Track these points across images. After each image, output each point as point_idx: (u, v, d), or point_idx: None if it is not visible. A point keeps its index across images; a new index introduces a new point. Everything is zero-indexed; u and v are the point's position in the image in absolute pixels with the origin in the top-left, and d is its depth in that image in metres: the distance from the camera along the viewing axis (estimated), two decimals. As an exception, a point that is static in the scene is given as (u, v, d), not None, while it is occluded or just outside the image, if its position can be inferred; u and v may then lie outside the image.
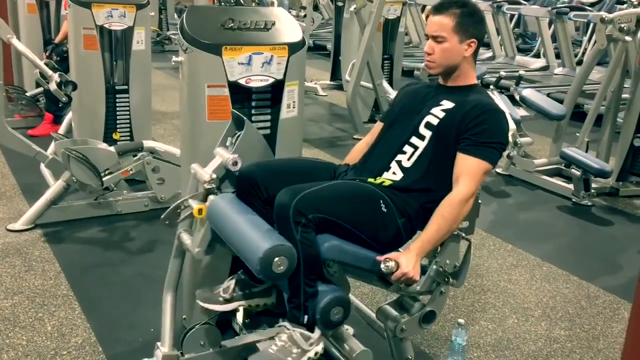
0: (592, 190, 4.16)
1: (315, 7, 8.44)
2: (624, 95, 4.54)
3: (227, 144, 2.13)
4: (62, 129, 4.37)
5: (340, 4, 7.17)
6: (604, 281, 3.14)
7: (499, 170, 4.78)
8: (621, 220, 4.01)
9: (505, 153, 4.54)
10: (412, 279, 1.86)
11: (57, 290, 2.78)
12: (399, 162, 2.02)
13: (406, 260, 1.84)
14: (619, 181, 4.38)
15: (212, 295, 2.04)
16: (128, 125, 4.03)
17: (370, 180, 2.02)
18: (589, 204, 4.16)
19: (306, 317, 1.84)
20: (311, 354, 1.84)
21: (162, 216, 2.09)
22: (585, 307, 2.89)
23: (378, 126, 2.24)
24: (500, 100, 4.54)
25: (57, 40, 5.24)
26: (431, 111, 2.03)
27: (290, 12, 2.51)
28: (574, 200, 4.21)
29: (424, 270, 1.98)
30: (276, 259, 1.73)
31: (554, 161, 4.66)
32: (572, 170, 4.18)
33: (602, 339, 2.64)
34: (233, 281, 2.06)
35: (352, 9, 5.64)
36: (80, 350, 2.37)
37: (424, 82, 2.29)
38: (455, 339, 2.19)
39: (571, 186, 4.25)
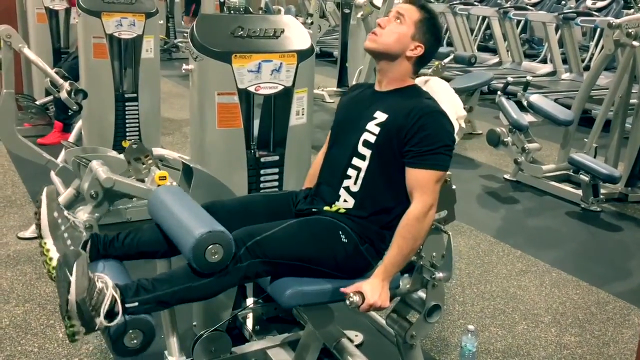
0: (601, 196, 4.16)
1: (322, 14, 8.48)
2: (632, 101, 4.52)
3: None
4: (72, 137, 4.39)
5: (347, 11, 7.20)
6: (613, 287, 3.13)
7: (507, 176, 4.78)
8: (630, 226, 3.99)
9: (513, 158, 4.58)
10: (381, 307, 1.79)
11: (68, 297, 2.80)
12: (346, 189, 1.95)
13: (371, 289, 1.76)
14: (628, 187, 4.37)
15: (57, 205, 1.88)
16: (137, 132, 4.05)
17: (326, 208, 1.96)
18: (598, 209, 4.15)
19: (136, 304, 1.65)
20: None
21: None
22: (595, 313, 2.88)
23: (329, 136, 2.16)
24: (508, 105, 4.54)
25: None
26: (367, 127, 1.93)
27: (297, 19, 2.52)
28: (582, 206, 4.20)
29: (411, 265, 1.93)
30: (210, 246, 1.63)
31: (562, 167, 4.65)
32: (581, 176, 4.17)
33: (613, 344, 2.63)
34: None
35: (358, 15, 5.67)
36: (91, 357, 2.38)
37: (363, 85, 2.17)
38: (465, 345, 2.19)
39: (580, 192, 4.25)
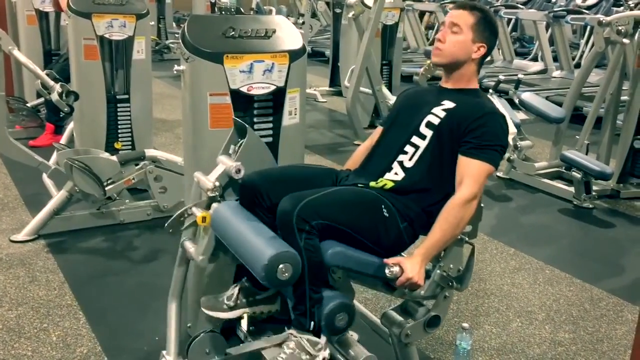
0: (593, 193, 4.17)
1: (314, 14, 8.48)
2: (623, 98, 4.55)
3: (230, 151, 2.13)
4: (63, 139, 4.38)
5: (338, 10, 7.21)
6: (606, 283, 3.14)
7: (499, 174, 4.79)
8: (622, 223, 4.01)
9: (505, 156, 4.58)
10: (417, 284, 1.87)
11: (61, 300, 2.79)
12: (400, 163, 2.03)
13: (411, 265, 1.84)
14: (620, 183, 4.39)
15: (217, 303, 2.04)
16: (129, 134, 4.04)
17: (372, 184, 2.02)
18: (590, 206, 4.17)
19: (312, 323, 1.85)
20: (319, 359, 1.84)
21: (166, 225, 2.09)
22: (589, 309, 2.90)
23: (378, 131, 2.25)
24: (500, 105, 4.55)
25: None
26: (432, 110, 2.04)
27: (288, 19, 2.52)
28: (575, 203, 4.22)
29: (427, 275, 1.98)
30: (281, 265, 1.73)
31: (555, 164, 4.67)
32: (573, 173, 4.18)
33: (607, 341, 2.64)
34: (237, 289, 2.06)
35: (350, 15, 5.66)
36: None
37: (424, 87, 2.31)
38: (459, 343, 2.19)
39: (572, 189, 4.26)
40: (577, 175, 4.14)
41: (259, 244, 1.82)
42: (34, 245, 3.31)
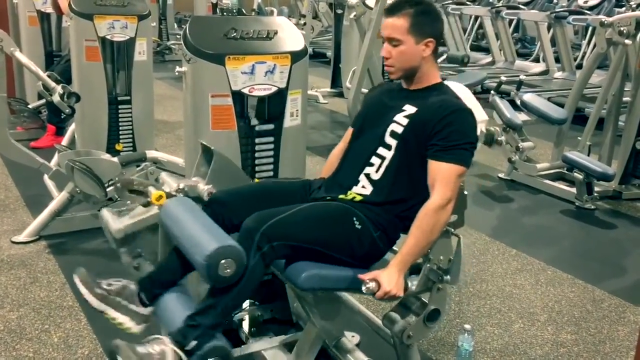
0: (595, 194, 4.17)
1: (315, 15, 8.47)
2: (624, 99, 4.54)
3: (199, 175, 2.12)
4: (65, 140, 4.38)
5: (339, 11, 7.21)
6: (609, 284, 3.14)
7: (501, 175, 4.78)
8: (624, 224, 4.00)
9: (508, 157, 4.58)
10: (395, 297, 1.82)
11: (62, 301, 2.79)
12: (367, 175, 1.98)
13: (387, 278, 1.79)
14: (622, 184, 4.38)
15: (93, 283, 1.95)
16: (131, 135, 4.04)
17: (342, 196, 1.98)
18: (592, 207, 4.16)
19: (194, 343, 1.73)
20: None
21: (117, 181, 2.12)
22: (591, 310, 2.89)
23: (349, 132, 2.19)
24: (502, 105, 4.55)
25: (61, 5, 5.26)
26: (395, 119, 1.97)
27: (289, 20, 2.52)
28: (577, 204, 4.21)
29: (417, 268, 1.95)
30: (223, 261, 1.66)
31: (556, 165, 4.66)
32: (575, 174, 4.18)
33: (609, 342, 2.64)
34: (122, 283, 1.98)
35: (351, 16, 5.66)
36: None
37: (390, 85, 2.19)
38: (461, 344, 2.19)
39: (574, 190, 4.26)
40: (579, 176, 4.13)
41: (204, 237, 1.74)
42: (35, 247, 3.31)
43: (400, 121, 1.96)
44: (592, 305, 2.93)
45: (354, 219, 1.90)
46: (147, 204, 2.11)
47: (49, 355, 2.40)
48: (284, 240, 1.79)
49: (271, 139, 2.39)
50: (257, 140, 2.40)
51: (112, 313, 1.90)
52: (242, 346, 2.29)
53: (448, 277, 1.92)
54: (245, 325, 2.43)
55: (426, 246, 1.86)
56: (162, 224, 1.96)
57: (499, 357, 2.51)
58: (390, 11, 1.97)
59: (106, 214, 2.25)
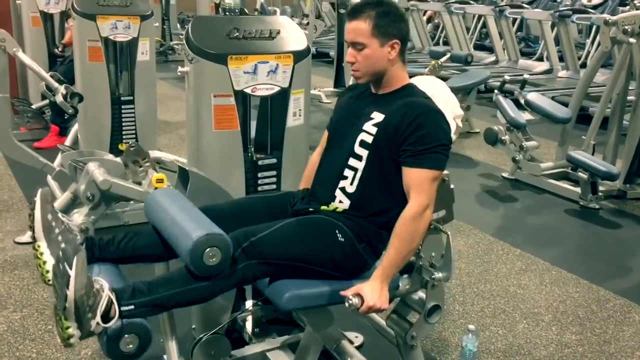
0: (600, 193, 4.15)
1: (318, 15, 8.47)
2: (629, 98, 4.52)
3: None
4: (68, 140, 4.38)
5: (342, 11, 7.20)
6: (613, 284, 3.12)
7: (505, 174, 4.77)
8: (629, 223, 3.99)
9: (512, 156, 4.57)
10: (380, 310, 1.78)
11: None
12: (342, 189, 1.93)
13: (370, 291, 1.75)
14: (627, 183, 4.37)
15: (51, 209, 1.87)
16: (134, 135, 4.04)
17: (324, 208, 1.95)
18: (597, 207, 4.15)
19: (131, 307, 1.63)
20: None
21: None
22: (596, 310, 2.88)
23: (325, 135, 2.14)
24: (506, 104, 4.53)
25: (64, 41, 5.28)
26: (363, 127, 1.91)
27: (292, 20, 2.52)
28: (581, 203, 4.19)
29: (411, 266, 1.93)
30: (208, 249, 1.61)
31: (561, 165, 4.65)
32: (579, 173, 4.17)
33: (614, 342, 2.62)
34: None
35: (354, 16, 5.64)
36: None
37: (360, 88, 2.09)
38: (465, 345, 2.18)
39: (578, 189, 4.24)
40: (583, 175, 4.12)
41: (189, 225, 1.70)
42: (39, 247, 3.31)
43: (369, 130, 1.91)
44: (597, 306, 2.92)
45: (337, 231, 1.87)
46: (139, 183, 2.11)
47: (52, 356, 2.40)
48: (264, 259, 1.76)
49: (274, 139, 2.39)
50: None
51: (43, 247, 1.80)
52: (246, 346, 2.29)
53: (440, 274, 1.89)
54: (249, 326, 2.43)
55: (408, 255, 1.82)
56: (148, 213, 1.91)
57: (503, 357, 2.49)
58: (352, 14, 1.91)
59: (93, 167, 2.20)
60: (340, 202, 1.93)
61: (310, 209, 1.96)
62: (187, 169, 2.06)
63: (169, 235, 1.76)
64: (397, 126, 1.85)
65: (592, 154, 4.34)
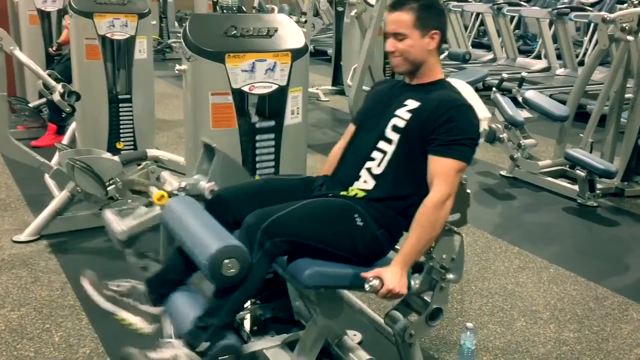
0: (598, 191, 4.15)
1: (316, 13, 8.46)
2: (627, 95, 4.52)
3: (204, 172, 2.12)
4: (65, 139, 4.37)
5: (340, 9, 7.19)
6: (611, 282, 3.12)
7: (503, 172, 4.77)
8: (627, 221, 3.99)
9: (509, 154, 4.57)
10: (399, 294, 1.80)
11: (63, 300, 2.78)
12: (368, 170, 1.96)
13: (390, 275, 1.77)
14: (624, 181, 4.37)
15: (101, 285, 1.96)
16: (131, 134, 4.03)
17: (343, 193, 1.96)
18: (595, 205, 4.15)
19: (206, 345, 1.74)
20: None
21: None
22: (594, 308, 2.88)
23: (350, 129, 2.17)
24: (504, 102, 4.53)
25: (60, 40, 5.27)
26: (396, 113, 1.96)
27: (290, 18, 2.52)
28: (579, 201, 4.20)
29: (420, 267, 1.94)
30: (226, 260, 1.66)
31: (559, 162, 4.65)
32: (577, 171, 4.17)
33: (612, 340, 2.63)
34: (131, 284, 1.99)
35: (352, 13, 5.65)
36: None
37: (392, 81, 2.19)
38: (464, 343, 2.18)
39: (576, 187, 4.24)
40: (581, 173, 4.12)
41: (206, 237, 1.74)
42: (36, 246, 3.30)
43: (402, 115, 1.95)
44: (594, 303, 2.92)
45: (356, 215, 1.89)
46: (149, 204, 2.11)
47: (50, 355, 2.40)
48: (285, 237, 1.78)
49: (272, 137, 2.38)
50: (257, 138, 2.39)
51: (122, 314, 1.91)
52: (244, 345, 2.28)
53: (451, 275, 1.91)
54: (247, 324, 2.42)
55: (428, 243, 1.85)
56: (165, 224, 1.96)
57: (501, 355, 2.50)
58: (395, 6, 1.97)
59: (109, 215, 2.25)
60: (365, 182, 1.96)
61: (330, 195, 1.98)
62: (212, 146, 2.06)
63: (188, 249, 1.82)
64: (430, 115, 1.90)
65: (590, 152, 4.34)
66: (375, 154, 1.97)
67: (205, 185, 2.00)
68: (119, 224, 2.18)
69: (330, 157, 2.21)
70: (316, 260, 1.85)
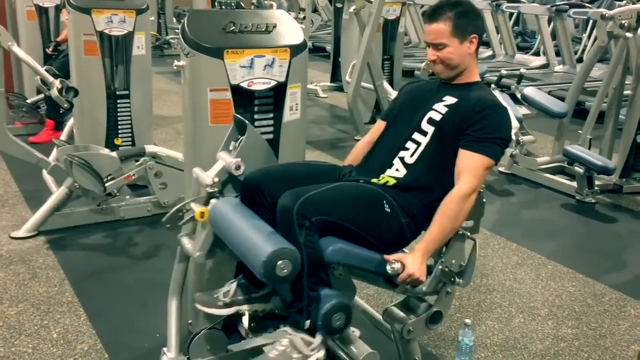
0: (596, 188, 4.16)
1: (315, 9, 8.45)
2: (625, 92, 4.53)
3: (230, 148, 2.12)
4: (63, 135, 4.36)
5: (339, 5, 7.17)
6: (609, 278, 3.13)
7: (501, 169, 4.77)
8: (625, 217, 3.99)
9: (508, 151, 4.56)
10: (418, 280, 1.84)
11: (61, 297, 2.78)
12: (401, 159, 2.01)
13: (412, 261, 1.82)
14: (623, 178, 4.37)
15: (212, 299, 2.02)
16: (129, 130, 4.03)
17: (374, 180, 2.01)
18: (593, 201, 4.15)
19: (308, 322, 1.82)
20: (312, 359, 1.82)
21: (164, 219, 2.07)
22: (592, 305, 2.88)
23: (378, 125, 2.22)
24: (502, 99, 4.53)
25: (59, 39, 5.26)
26: (434, 107, 2.02)
27: (289, 14, 2.51)
28: (577, 197, 4.20)
29: (429, 270, 1.96)
30: (279, 262, 1.72)
31: (557, 159, 4.65)
32: (575, 167, 4.17)
33: (610, 336, 2.63)
34: (234, 285, 2.04)
35: (351, 10, 5.63)
36: (86, 357, 2.37)
37: (426, 80, 2.27)
38: (462, 339, 2.18)
39: (574, 184, 4.25)
40: (579, 170, 4.12)
41: (258, 240, 1.80)
42: (34, 242, 3.30)
43: (439, 109, 2.01)
44: (592, 300, 2.93)
45: (384, 202, 1.92)
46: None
47: (48, 351, 2.39)
48: (318, 215, 1.81)
49: (270, 133, 2.37)
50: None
51: (245, 308, 2.00)
52: (242, 341, 2.29)
53: (461, 280, 1.97)
54: (245, 321, 2.42)
55: (449, 233, 1.90)
56: (214, 226, 1.98)
57: (500, 351, 2.50)
58: (431, 17, 2.02)
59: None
60: (397, 170, 2.00)
61: (361, 180, 2.02)
62: (245, 122, 2.07)
63: (240, 253, 1.87)
64: (467, 111, 1.95)
65: (589, 149, 4.35)
66: (410, 144, 2.02)
67: (231, 160, 2.00)
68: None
69: (356, 149, 2.26)
70: (341, 240, 1.87)
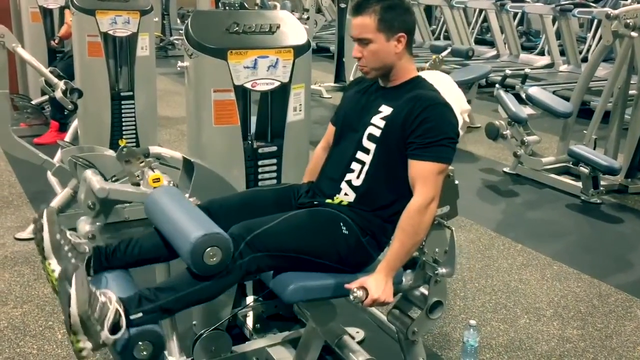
0: (601, 188, 4.14)
1: (318, 9, 8.44)
2: (631, 91, 4.51)
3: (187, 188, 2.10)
4: (68, 136, 4.36)
5: (343, 5, 7.18)
6: (615, 279, 3.11)
7: (506, 169, 4.76)
8: (631, 218, 3.98)
9: (513, 151, 4.55)
10: (384, 303, 1.77)
11: (66, 298, 2.78)
12: (348, 182, 1.93)
13: (375, 284, 1.75)
14: (628, 178, 4.36)
15: (57, 227, 1.81)
16: (134, 131, 4.03)
17: (328, 201, 1.94)
18: (598, 201, 4.14)
19: (139, 315, 1.63)
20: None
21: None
22: (597, 305, 2.87)
23: (330, 129, 2.14)
24: (507, 99, 4.52)
25: (60, 34, 5.27)
26: (372, 121, 1.91)
27: (292, 15, 2.51)
28: (582, 198, 4.18)
29: (414, 261, 1.93)
30: (208, 249, 1.62)
31: (562, 159, 4.64)
32: (581, 168, 4.15)
33: (615, 337, 2.62)
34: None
35: (355, 10, 5.62)
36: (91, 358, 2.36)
37: (366, 81, 2.06)
38: (467, 340, 2.17)
39: (580, 184, 4.23)
40: (584, 170, 4.10)
41: (188, 225, 1.71)
42: (39, 243, 3.30)
43: (377, 123, 1.90)
44: (598, 300, 2.91)
45: (341, 224, 1.86)
46: (137, 184, 2.10)
47: (52, 352, 2.40)
48: (268, 252, 1.76)
49: (274, 134, 2.38)
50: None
51: (54, 264, 1.78)
52: (246, 342, 2.29)
53: (443, 270, 1.89)
54: (249, 322, 2.42)
55: (412, 248, 1.82)
56: (148, 213, 1.92)
57: (505, 352, 2.49)
58: (357, 10, 1.89)
59: (89, 175, 2.21)
60: (346, 194, 1.92)
61: (315, 202, 1.95)
62: (192, 160, 2.05)
63: (170, 236, 1.77)
64: (405, 119, 1.84)
65: (594, 149, 4.33)
66: (354, 165, 1.93)
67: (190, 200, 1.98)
68: (101, 183, 2.11)
69: (312, 161, 2.18)
70: (300, 274, 1.82)
